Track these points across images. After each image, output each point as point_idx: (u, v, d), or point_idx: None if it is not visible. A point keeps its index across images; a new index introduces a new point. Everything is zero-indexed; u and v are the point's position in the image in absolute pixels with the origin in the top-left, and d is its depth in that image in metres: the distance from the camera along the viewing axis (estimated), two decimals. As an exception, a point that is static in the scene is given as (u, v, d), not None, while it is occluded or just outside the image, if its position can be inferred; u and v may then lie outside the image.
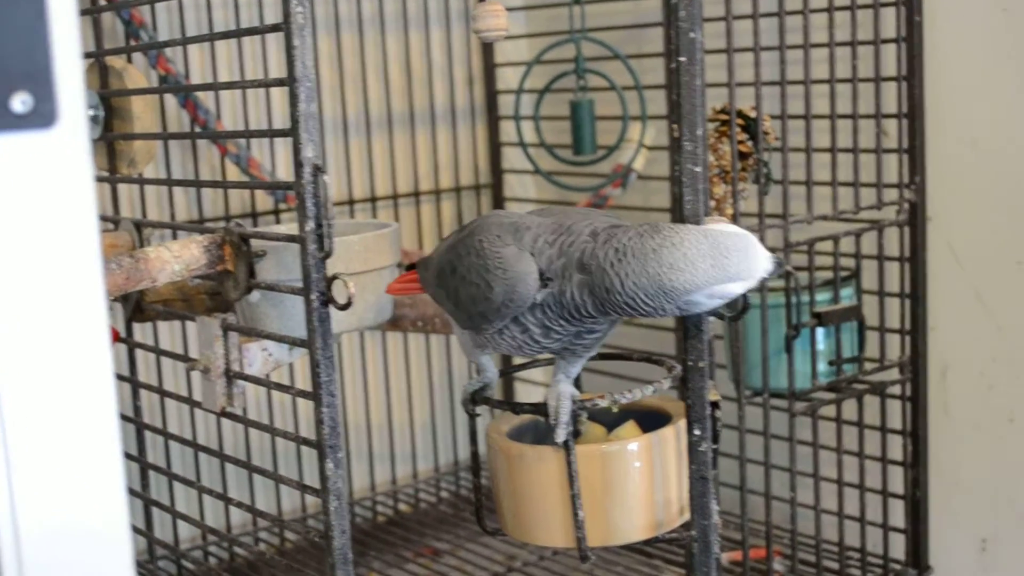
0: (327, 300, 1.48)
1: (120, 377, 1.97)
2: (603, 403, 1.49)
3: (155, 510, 1.99)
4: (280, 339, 1.60)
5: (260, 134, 1.63)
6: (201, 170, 2.43)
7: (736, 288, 1.31)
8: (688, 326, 1.35)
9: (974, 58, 2.10)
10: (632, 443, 1.54)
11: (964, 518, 2.24)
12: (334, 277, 1.48)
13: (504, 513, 1.61)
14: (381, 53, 2.66)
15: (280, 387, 1.63)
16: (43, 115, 0.83)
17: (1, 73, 0.82)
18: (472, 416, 1.63)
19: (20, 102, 0.82)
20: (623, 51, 2.36)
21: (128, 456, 1.99)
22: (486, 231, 1.49)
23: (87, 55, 1.86)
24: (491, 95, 2.79)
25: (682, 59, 1.28)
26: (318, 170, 1.46)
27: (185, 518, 1.93)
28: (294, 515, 2.62)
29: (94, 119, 1.81)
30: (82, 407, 0.88)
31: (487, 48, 2.79)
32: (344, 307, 1.47)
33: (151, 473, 1.97)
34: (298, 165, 1.46)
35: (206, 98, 2.36)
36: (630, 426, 1.62)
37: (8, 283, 0.84)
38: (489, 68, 2.80)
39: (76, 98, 0.84)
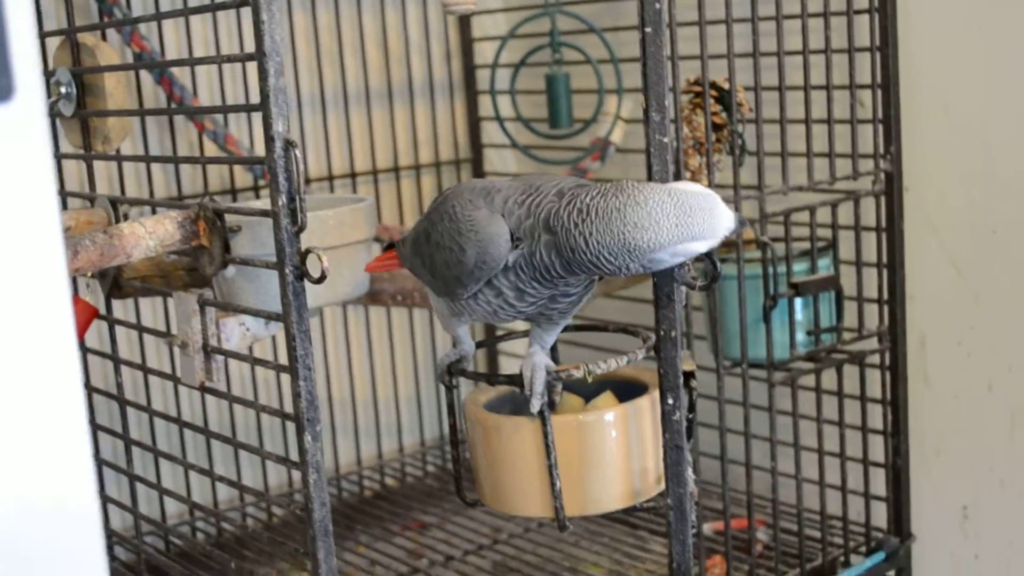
0: (301, 274, 1.48)
1: (101, 354, 1.97)
2: (577, 373, 1.50)
3: (140, 487, 1.99)
4: (256, 313, 1.60)
5: (230, 109, 1.63)
6: (179, 146, 2.41)
7: (699, 246, 1.32)
8: (660, 296, 1.35)
9: (947, 27, 2.10)
10: (608, 413, 1.55)
11: (945, 486, 2.25)
12: (308, 251, 1.47)
13: (482, 484, 1.61)
14: (358, 28, 2.65)
15: (257, 361, 1.64)
16: (1, 88, 0.83)
17: (-43, 47, 0.81)
18: (449, 388, 1.63)
19: (-25, 76, 0.82)
20: (599, 24, 2.36)
21: (111, 432, 2.00)
22: (458, 196, 1.49)
23: (58, 32, 1.85)
24: (469, 70, 2.79)
25: (648, 30, 1.28)
26: (289, 144, 1.46)
27: (170, 494, 1.93)
28: (280, 490, 2.62)
29: (67, 96, 1.81)
30: (45, 385, 0.89)
31: (464, 22, 2.78)
32: (318, 281, 1.47)
33: (135, 450, 1.97)
34: (269, 140, 1.46)
35: (182, 75, 2.35)
36: (607, 396, 1.62)
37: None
38: (467, 42, 2.79)
39: (32, 71, 0.83)
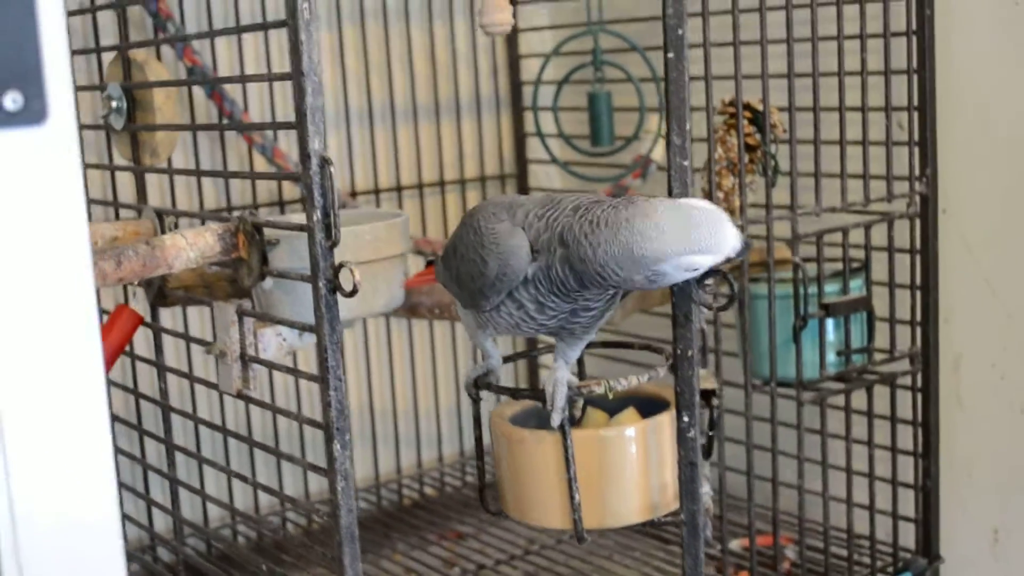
0: (334, 288, 1.53)
1: (147, 360, 2.04)
2: (599, 390, 1.54)
3: (182, 491, 2.05)
4: (291, 324, 1.66)
5: (267, 126, 1.68)
6: (229, 159, 2.49)
7: (704, 260, 1.35)
8: (677, 315, 1.38)
9: (986, 50, 2.11)
10: (629, 429, 1.58)
11: (976, 508, 2.26)
12: (341, 265, 1.52)
13: (506, 494, 1.65)
14: (406, 43, 2.71)
15: (290, 371, 1.69)
16: (33, 112, 0.89)
17: (-5, 73, 0.87)
18: (475, 401, 1.67)
19: (11, 100, 0.88)
20: (641, 44, 2.39)
21: (155, 437, 2.06)
22: (483, 210, 1.54)
23: (110, 48, 1.92)
24: (516, 86, 2.83)
25: (670, 55, 1.31)
26: (325, 162, 1.50)
27: (212, 499, 1.98)
28: (321, 496, 2.67)
29: (117, 110, 1.87)
30: (71, 396, 0.94)
31: (511, 39, 2.83)
32: (350, 294, 1.52)
33: (178, 455, 2.03)
34: (305, 157, 1.51)
35: (233, 90, 2.41)
36: (630, 412, 1.66)
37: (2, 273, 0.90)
38: (513, 58, 2.84)
39: (65, 95, 0.89)
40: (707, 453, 1.60)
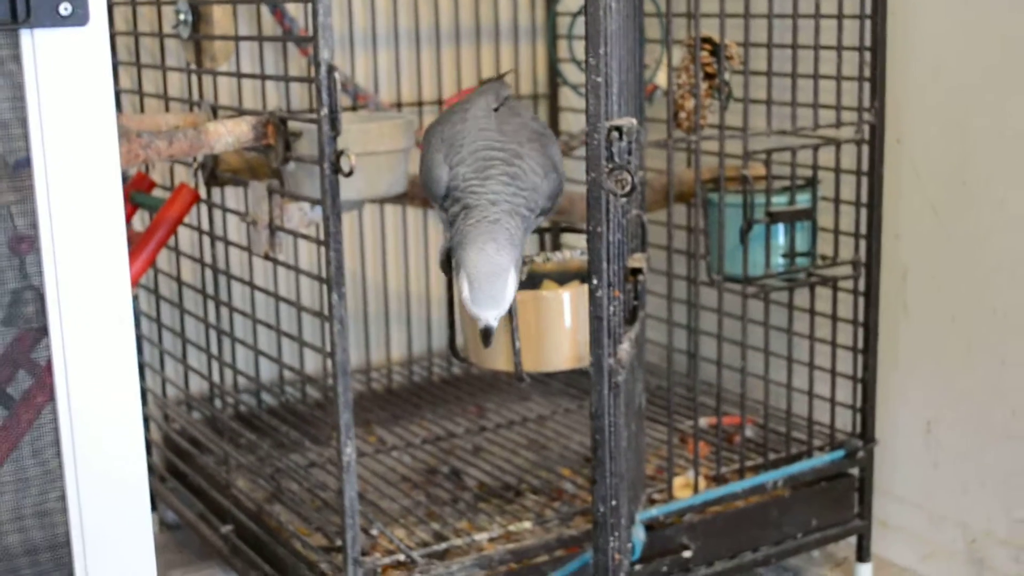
0: (336, 169, 1.93)
1: (200, 230, 2.47)
2: (539, 259, 1.93)
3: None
4: (306, 199, 2.06)
5: (290, 39, 2.09)
6: (291, 69, 2.90)
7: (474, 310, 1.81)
8: (588, 198, 1.74)
9: (937, 1, 2.41)
10: (563, 292, 1.97)
11: (912, 401, 2.59)
12: (342, 152, 1.91)
13: (467, 343, 2.05)
14: (452, -26, 3.08)
15: (305, 236, 2.09)
16: (79, 16, 1.29)
17: (53, -12, 1.28)
18: (449, 268, 2.06)
19: (64, 8, 1.28)
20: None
21: (196, 317, 2.51)
22: (434, 134, 1.97)
23: (181, -30, 2.33)
24: (552, 16, 3.18)
25: (590, -7, 1.67)
26: (331, 69, 1.89)
27: (239, 371, 2.42)
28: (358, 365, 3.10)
29: (184, 22, 2.28)
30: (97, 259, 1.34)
31: (549, -27, 3.19)
32: (348, 174, 1.91)
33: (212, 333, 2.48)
34: (316, 65, 1.89)
35: (296, 9, 2.81)
36: (574, 284, 2.04)
37: (57, 127, 1.31)
38: (551, -9, 3.20)
39: (100, 5, 1.29)
40: (631, 319, 1.97)
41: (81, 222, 1.35)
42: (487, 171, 1.88)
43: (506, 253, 1.80)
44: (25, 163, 1.37)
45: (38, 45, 1.29)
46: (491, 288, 1.79)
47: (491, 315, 1.81)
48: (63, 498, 1.38)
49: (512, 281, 1.80)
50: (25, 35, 1.29)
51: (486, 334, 1.81)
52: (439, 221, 2.08)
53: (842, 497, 2.52)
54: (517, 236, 1.84)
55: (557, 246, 3.09)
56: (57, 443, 1.38)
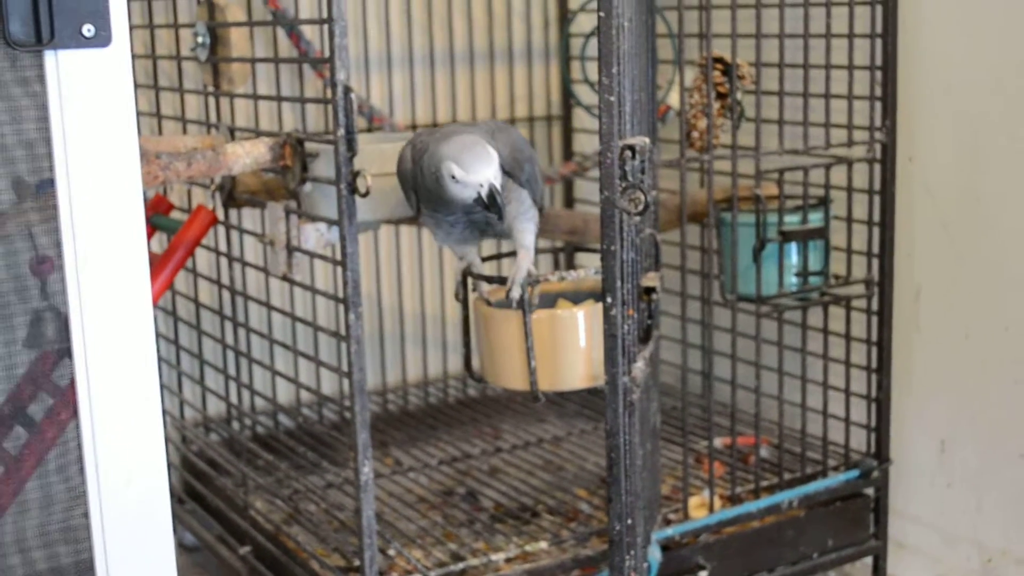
0: (353, 189, 1.94)
1: (217, 252, 2.49)
2: (553, 278, 1.94)
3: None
4: (323, 220, 2.08)
5: (306, 60, 2.11)
6: (307, 91, 2.92)
7: (458, 173, 1.87)
8: (603, 217, 1.76)
9: (947, 20, 2.42)
10: (577, 311, 1.98)
11: (926, 420, 2.59)
12: (358, 172, 1.93)
13: (483, 362, 2.06)
14: (466, -3, 3.11)
15: (322, 257, 2.11)
16: (102, 38, 1.31)
17: (77, 11, 1.30)
18: (464, 289, 2.08)
19: (87, 29, 1.30)
20: (663, 3, 2.74)
21: (213, 338, 2.52)
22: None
23: (200, -6, 2.35)
24: (565, 37, 3.21)
25: (602, 15, 1.68)
26: (347, 90, 1.91)
27: (256, 392, 2.44)
28: (374, 387, 3.12)
29: (201, 45, 2.30)
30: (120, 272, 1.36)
31: (562, -3, 3.22)
32: (364, 195, 1.93)
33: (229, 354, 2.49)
34: (333, 86, 1.91)
35: (312, 32, 2.84)
36: (588, 303, 2.05)
37: (80, 147, 1.33)
38: (563, 13, 3.22)
39: (123, 27, 1.31)
40: (645, 338, 1.98)
41: (104, 241, 1.37)
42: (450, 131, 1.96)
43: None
44: (47, 184, 1.39)
45: (62, 66, 1.31)
46: (477, 150, 1.87)
47: (488, 174, 1.86)
48: (86, 516, 1.39)
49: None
50: (49, 56, 1.31)
51: (492, 199, 1.87)
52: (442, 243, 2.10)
53: (857, 517, 2.52)
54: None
55: (571, 266, 3.11)
56: (80, 461, 1.40)
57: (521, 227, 2.00)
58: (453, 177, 1.88)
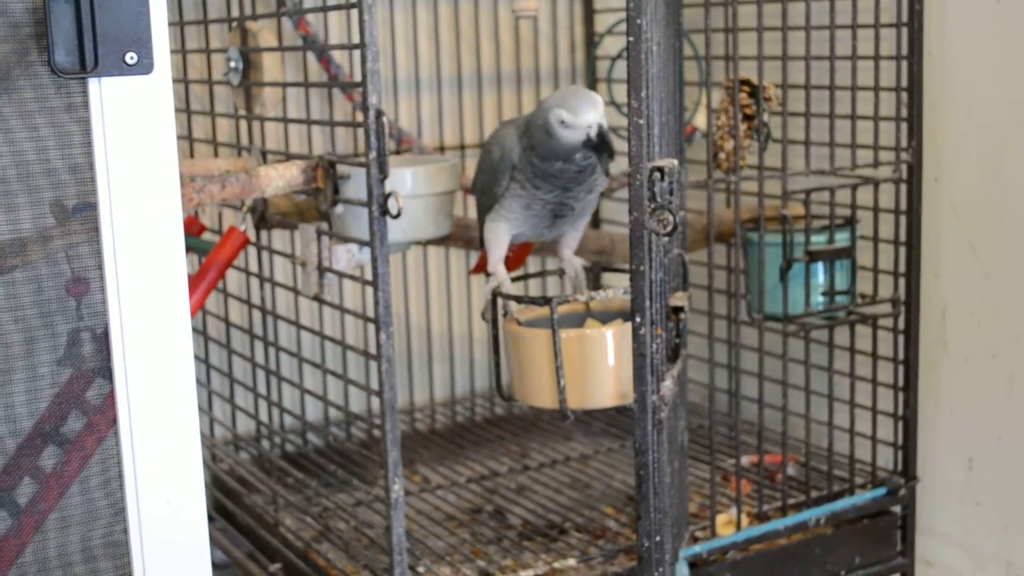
0: (384, 211, 1.97)
1: (248, 272, 2.53)
2: (582, 298, 1.97)
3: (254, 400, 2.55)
4: (355, 241, 2.11)
5: (336, 84, 2.15)
6: (336, 114, 2.96)
7: (567, 117, 1.98)
8: (631, 238, 1.78)
9: (972, 41, 2.44)
10: (606, 330, 2.00)
11: (954, 439, 2.60)
12: (390, 194, 1.96)
13: (513, 382, 2.09)
14: (493, 19, 3.13)
15: (353, 278, 2.14)
16: (144, 66, 1.35)
17: (120, 39, 1.33)
18: (494, 309, 2.10)
19: (130, 57, 1.34)
20: (690, 26, 2.77)
21: (244, 357, 2.56)
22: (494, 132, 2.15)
23: (233, 19, 2.39)
24: (592, 59, 3.24)
25: (631, 39, 1.71)
26: (379, 114, 1.94)
27: (286, 410, 2.46)
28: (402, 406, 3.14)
29: (235, 70, 2.34)
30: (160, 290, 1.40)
31: (588, 18, 3.24)
32: (395, 216, 1.96)
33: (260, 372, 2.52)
34: (365, 110, 1.95)
35: (341, 56, 2.88)
36: (617, 323, 2.07)
37: (122, 171, 1.36)
38: (590, 36, 3.24)
39: (163, 54, 1.34)
40: (674, 357, 2.00)
41: (145, 260, 1.40)
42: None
43: None
44: (84, 208, 1.42)
45: (105, 93, 1.35)
46: (582, 95, 1.99)
47: (595, 116, 1.98)
48: (126, 531, 1.42)
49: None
50: (93, 83, 1.35)
51: (601, 138, 1.99)
52: (492, 247, 2.18)
53: (885, 535, 2.53)
54: None
55: (598, 285, 3.13)
56: (120, 478, 1.42)
57: (582, 223, 2.14)
58: (562, 122, 1.98)
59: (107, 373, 1.43)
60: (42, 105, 1.33)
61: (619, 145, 3.04)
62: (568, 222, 2.15)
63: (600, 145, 1.98)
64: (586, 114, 1.97)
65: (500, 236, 2.13)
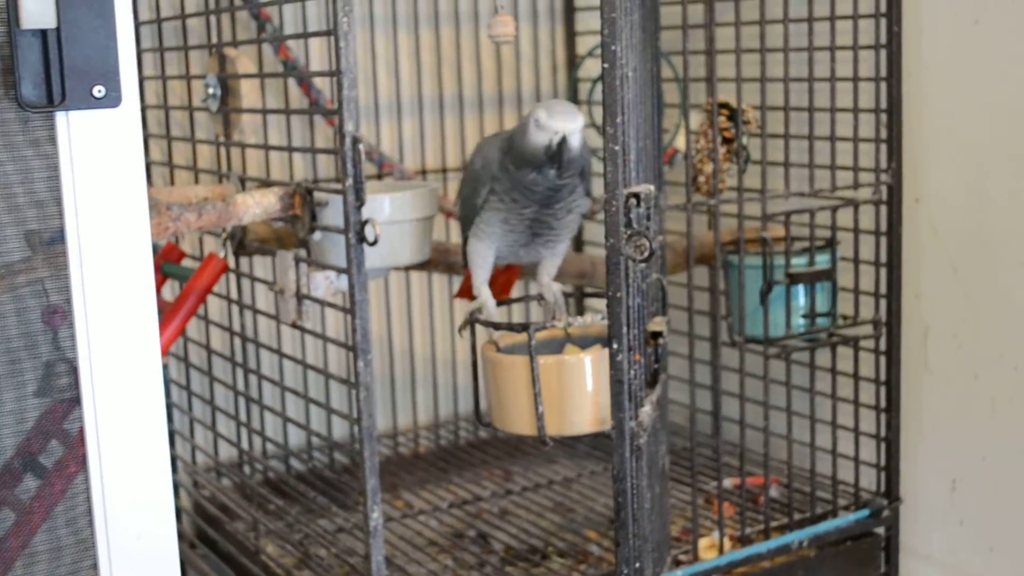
0: (361, 238, 1.97)
1: (228, 299, 2.52)
2: (560, 324, 1.96)
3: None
4: (332, 268, 2.10)
5: (315, 111, 2.13)
6: (317, 139, 2.95)
7: (545, 119, 2.00)
8: (608, 264, 1.78)
9: (950, 61, 2.45)
10: (585, 356, 1.99)
11: (936, 460, 2.59)
12: (366, 221, 1.96)
13: (491, 408, 2.08)
14: (474, 43, 3.14)
15: (332, 305, 2.13)
16: (113, 99, 1.34)
17: (88, 73, 1.33)
18: (473, 335, 2.10)
19: (98, 90, 1.33)
20: (669, 48, 2.77)
21: (225, 384, 2.55)
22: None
23: (210, 46, 2.39)
24: (573, 82, 3.24)
25: (606, 65, 1.71)
26: (356, 141, 1.94)
27: (267, 438, 2.46)
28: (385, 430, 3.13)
29: (213, 96, 2.33)
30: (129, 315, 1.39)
31: (570, 42, 3.24)
32: (372, 243, 1.95)
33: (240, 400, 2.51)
34: (341, 137, 1.94)
35: (321, 82, 2.87)
36: (596, 348, 2.06)
37: (91, 204, 1.36)
38: (571, 58, 3.25)
39: (132, 88, 1.34)
40: (652, 382, 1.99)
41: (113, 295, 1.39)
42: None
43: None
44: (59, 239, 1.42)
45: (73, 127, 1.34)
46: (567, 106, 2.03)
47: (569, 127, 2.00)
48: (95, 567, 1.41)
49: None
50: (60, 117, 1.34)
51: (560, 147, 2.00)
52: (475, 267, 2.20)
53: (868, 556, 2.52)
54: None
55: (580, 309, 3.12)
56: (89, 512, 1.41)
57: (561, 247, 2.14)
58: (537, 122, 2.01)
59: (76, 406, 1.42)
60: (9, 140, 1.32)
61: (597, 167, 3.07)
62: (547, 244, 2.14)
63: (555, 155, 2.00)
64: (559, 121, 2.00)
65: (482, 255, 2.13)
